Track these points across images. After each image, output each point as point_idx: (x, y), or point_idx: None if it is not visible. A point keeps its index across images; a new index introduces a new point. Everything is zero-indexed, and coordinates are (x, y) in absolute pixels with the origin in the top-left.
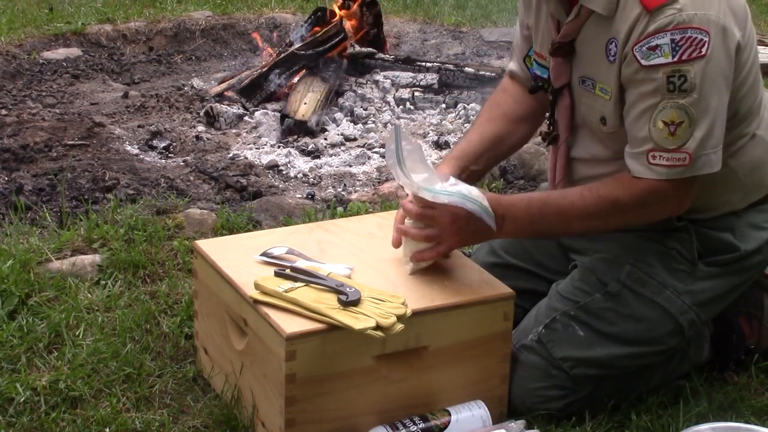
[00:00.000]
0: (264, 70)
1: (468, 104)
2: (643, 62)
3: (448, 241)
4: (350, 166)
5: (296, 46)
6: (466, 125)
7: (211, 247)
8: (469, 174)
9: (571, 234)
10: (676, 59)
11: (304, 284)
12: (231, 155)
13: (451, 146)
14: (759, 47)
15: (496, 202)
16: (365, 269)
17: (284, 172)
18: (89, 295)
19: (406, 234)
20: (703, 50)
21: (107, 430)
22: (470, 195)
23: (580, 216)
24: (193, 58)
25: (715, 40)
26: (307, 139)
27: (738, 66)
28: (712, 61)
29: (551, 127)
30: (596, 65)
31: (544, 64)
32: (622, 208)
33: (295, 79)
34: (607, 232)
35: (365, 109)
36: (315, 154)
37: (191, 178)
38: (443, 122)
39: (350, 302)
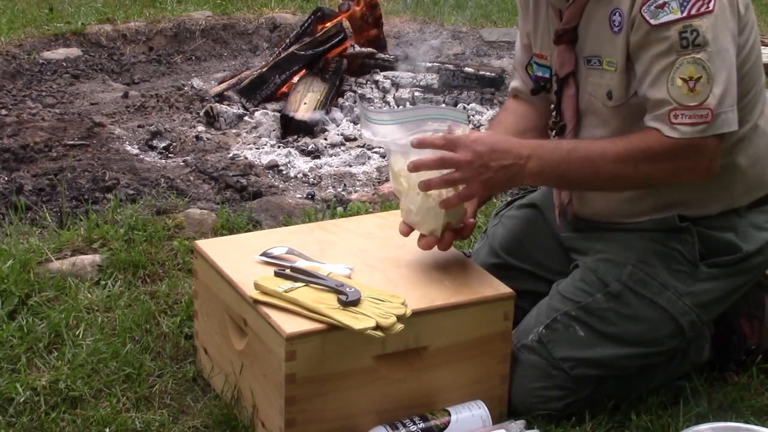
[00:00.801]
0: (264, 70)
1: (468, 104)
2: (652, 22)
3: (474, 182)
4: (350, 166)
5: (296, 46)
6: None
7: (211, 247)
8: None
9: (598, 183)
10: (685, 14)
11: (304, 284)
12: (231, 155)
13: None
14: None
15: (520, 142)
16: (365, 269)
17: (284, 172)
18: (89, 295)
19: (429, 186)
20: (711, 5)
21: (107, 430)
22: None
23: (611, 160)
24: (193, 58)
25: None
26: (307, 139)
27: (740, 43)
28: (720, 17)
29: (558, 117)
30: (601, 41)
31: (544, 63)
32: (653, 158)
33: (295, 79)
34: (634, 186)
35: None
36: (315, 154)
37: (191, 178)
38: None
39: (350, 302)
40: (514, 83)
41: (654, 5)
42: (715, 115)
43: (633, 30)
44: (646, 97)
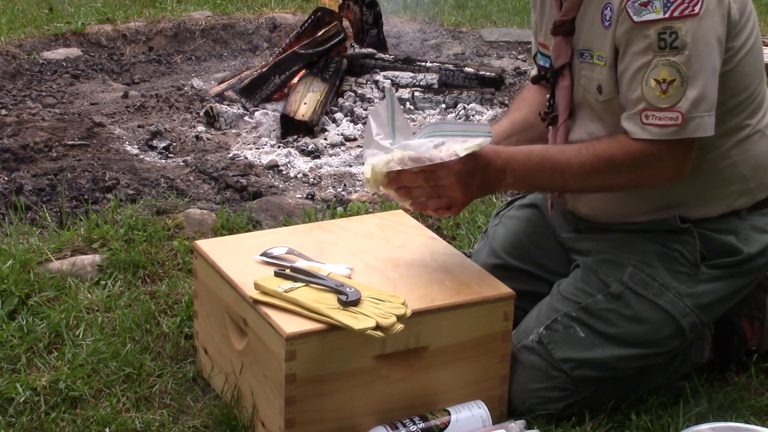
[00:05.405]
0: (264, 70)
1: (468, 104)
2: (635, 18)
3: (460, 201)
4: (350, 166)
5: (297, 46)
6: None
7: (211, 247)
8: None
9: (570, 190)
10: (667, 15)
11: (304, 284)
12: (231, 155)
13: None
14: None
15: (496, 153)
16: (365, 269)
17: (284, 172)
18: (89, 295)
19: (424, 210)
20: (696, 8)
21: (107, 430)
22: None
23: (576, 173)
24: (193, 58)
25: (709, 0)
26: (307, 139)
27: (736, 46)
28: (705, 21)
29: (551, 108)
30: (593, 35)
31: (546, 53)
32: (616, 168)
33: (295, 79)
34: (604, 191)
35: (365, 109)
36: (315, 154)
37: (191, 178)
38: None
39: (350, 302)
40: (533, 72)
41: (638, 2)
42: (687, 119)
43: (619, 24)
44: (624, 94)
